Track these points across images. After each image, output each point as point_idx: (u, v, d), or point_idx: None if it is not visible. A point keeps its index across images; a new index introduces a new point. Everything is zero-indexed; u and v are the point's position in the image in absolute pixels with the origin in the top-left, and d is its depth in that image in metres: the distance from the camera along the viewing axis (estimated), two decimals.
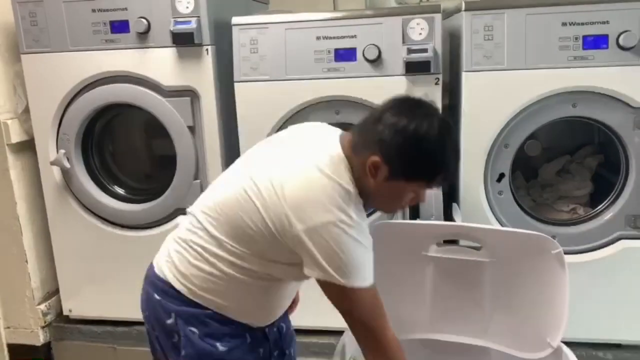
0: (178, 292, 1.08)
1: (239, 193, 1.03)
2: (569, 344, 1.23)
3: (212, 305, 1.08)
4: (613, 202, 1.67)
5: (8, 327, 2.02)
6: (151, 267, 1.17)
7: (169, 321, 1.10)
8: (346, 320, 1.06)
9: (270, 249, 1.02)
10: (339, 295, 1.01)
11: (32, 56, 1.84)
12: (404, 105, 1.05)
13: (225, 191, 1.07)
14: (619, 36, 1.51)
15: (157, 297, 1.11)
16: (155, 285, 1.13)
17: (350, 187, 0.99)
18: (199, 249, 1.07)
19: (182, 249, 1.10)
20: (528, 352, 1.23)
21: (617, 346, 1.72)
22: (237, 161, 1.16)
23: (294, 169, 1.01)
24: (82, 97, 1.84)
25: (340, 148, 1.04)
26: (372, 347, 1.06)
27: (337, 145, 1.05)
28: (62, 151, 1.86)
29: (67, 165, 1.86)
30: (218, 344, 1.08)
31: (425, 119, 1.00)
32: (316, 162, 1.01)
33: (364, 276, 1.00)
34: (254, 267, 1.05)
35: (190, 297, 1.08)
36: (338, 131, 1.12)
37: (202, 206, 1.11)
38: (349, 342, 1.27)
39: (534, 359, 1.22)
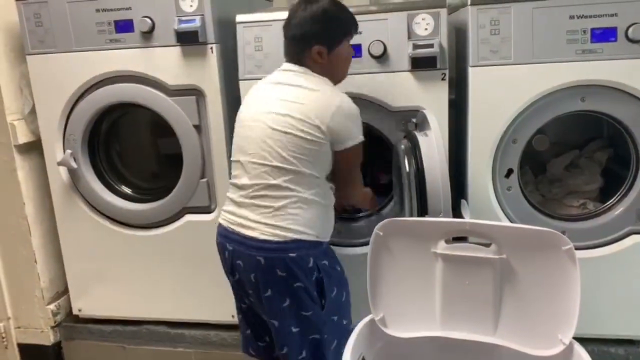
0: (299, 240, 1.31)
1: (281, 124, 1.33)
2: (580, 340, 1.22)
3: (314, 236, 1.35)
4: (623, 197, 1.65)
5: (18, 327, 2.03)
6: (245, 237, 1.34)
7: (310, 265, 1.32)
8: (345, 176, 1.45)
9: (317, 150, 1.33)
10: (356, 153, 1.39)
11: (37, 57, 1.84)
12: (297, 6, 1.41)
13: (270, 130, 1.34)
14: (627, 29, 1.49)
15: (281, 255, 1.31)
16: (265, 249, 1.31)
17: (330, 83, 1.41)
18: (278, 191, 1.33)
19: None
20: (539, 349, 1.22)
21: (629, 342, 1.70)
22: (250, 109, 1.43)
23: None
24: (87, 97, 1.84)
25: (306, 68, 1.40)
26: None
27: (304, 69, 1.40)
28: (68, 151, 1.86)
29: (74, 165, 1.87)
30: (337, 267, 1.43)
31: (313, 2, 1.38)
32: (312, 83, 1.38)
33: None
34: (314, 172, 1.34)
35: (305, 237, 1.32)
36: (288, 67, 1.43)
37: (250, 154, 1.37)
38: (358, 340, 1.27)
39: (545, 356, 1.20)
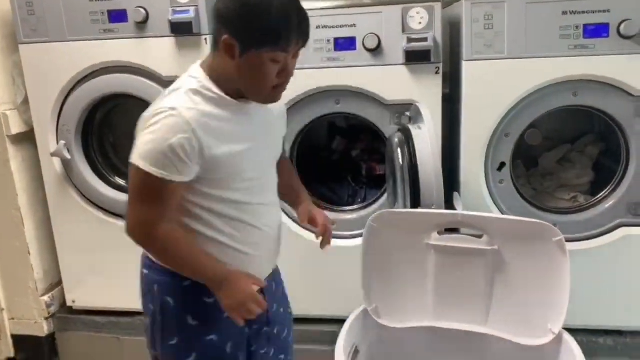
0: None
1: None
2: (569, 330, 1.24)
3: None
4: (614, 190, 1.67)
5: (12, 319, 2.03)
6: None
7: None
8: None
9: None
10: (132, 175, 1.04)
11: (30, 46, 1.83)
12: None
13: None
14: (619, 25, 1.50)
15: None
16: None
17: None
18: None
19: None
20: (529, 339, 1.24)
21: (618, 332, 1.73)
22: None
23: None
24: (81, 88, 1.83)
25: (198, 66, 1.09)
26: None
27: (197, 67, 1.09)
28: (62, 142, 1.86)
29: (68, 156, 1.86)
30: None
31: None
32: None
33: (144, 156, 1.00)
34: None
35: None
36: None
37: None
38: (351, 330, 1.28)
39: (535, 345, 1.23)
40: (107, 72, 1.81)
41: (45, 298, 2.01)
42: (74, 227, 1.96)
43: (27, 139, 1.93)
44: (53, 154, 1.87)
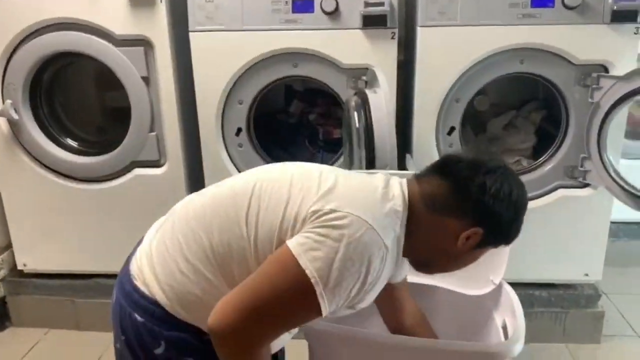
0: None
1: None
2: (509, 284, 1.34)
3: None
4: (553, 154, 1.78)
5: None
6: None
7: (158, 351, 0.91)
8: None
9: None
10: None
11: None
12: (487, 166, 0.92)
13: None
14: None
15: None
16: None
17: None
18: None
19: None
20: (473, 289, 1.34)
21: (552, 285, 1.88)
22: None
23: None
24: (27, 45, 1.76)
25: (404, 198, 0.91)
26: None
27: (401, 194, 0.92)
28: (8, 101, 1.79)
29: (15, 116, 1.80)
30: None
31: (506, 180, 0.92)
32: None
33: None
34: None
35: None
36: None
37: None
38: None
39: (478, 295, 1.32)
40: (57, 29, 1.74)
41: None
42: (23, 189, 1.91)
43: None
44: None
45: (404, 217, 0.91)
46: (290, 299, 0.83)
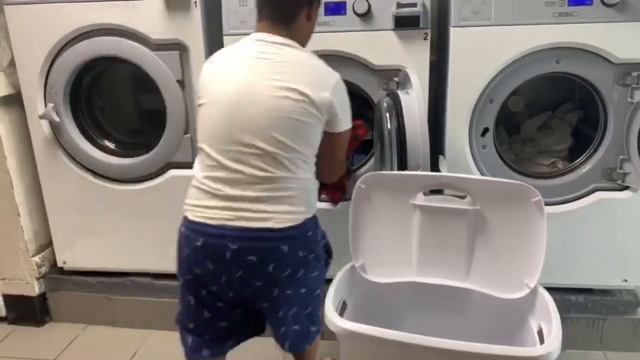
0: (309, 219, 1.27)
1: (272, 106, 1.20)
2: (545, 288, 1.31)
3: (314, 211, 1.30)
4: (590, 156, 1.74)
5: (3, 279, 2.06)
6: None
7: (319, 237, 1.33)
8: (329, 162, 1.38)
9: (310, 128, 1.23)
10: (345, 139, 1.35)
11: (15, 7, 1.80)
12: None
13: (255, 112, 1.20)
14: None
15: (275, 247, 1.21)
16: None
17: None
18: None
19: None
20: (507, 293, 1.32)
21: (589, 290, 1.83)
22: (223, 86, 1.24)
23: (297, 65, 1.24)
24: (69, 50, 1.82)
25: (290, 38, 1.27)
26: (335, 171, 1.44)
27: (288, 41, 1.26)
28: (50, 105, 1.85)
29: (57, 119, 1.86)
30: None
31: None
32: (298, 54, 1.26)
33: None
34: (307, 153, 1.24)
35: (311, 215, 1.28)
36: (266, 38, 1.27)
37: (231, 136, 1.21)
38: (339, 285, 1.34)
39: (513, 299, 1.30)
40: (95, 35, 1.80)
41: (36, 259, 2.04)
42: (63, 189, 1.97)
43: (14, 101, 1.92)
44: (42, 117, 1.87)
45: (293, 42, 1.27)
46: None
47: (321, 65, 1.27)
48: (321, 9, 1.47)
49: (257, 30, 1.29)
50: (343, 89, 1.29)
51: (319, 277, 1.33)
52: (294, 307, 1.28)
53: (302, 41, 1.31)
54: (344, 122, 1.31)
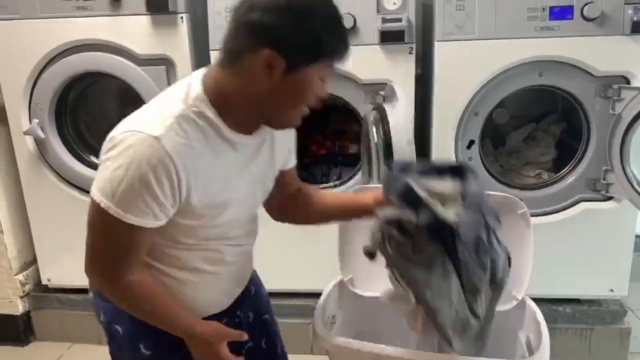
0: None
1: None
2: (532, 299, 1.32)
3: None
4: (575, 167, 1.76)
5: None
6: None
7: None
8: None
9: None
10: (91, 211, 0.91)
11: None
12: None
13: None
14: (583, 7, 1.57)
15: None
16: None
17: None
18: None
19: None
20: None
21: (576, 301, 1.84)
22: None
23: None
24: (54, 66, 1.81)
25: (200, 85, 0.89)
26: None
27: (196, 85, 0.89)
28: (35, 121, 1.84)
29: (42, 135, 1.85)
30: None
31: None
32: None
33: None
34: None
35: None
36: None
37: None
38: (328, 300, 1.34)
39: (500, 311, 1.30)
40: (81, 50, 1.80)
41: (20, 277, 2.01)
42: (48, 205, 1.95)
43: None
44: (26, 133, 1.85)
45: (205, 97, 0.88)
46: (100, 227, 0.90)
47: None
48: None
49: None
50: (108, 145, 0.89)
51: None
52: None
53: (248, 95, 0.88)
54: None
